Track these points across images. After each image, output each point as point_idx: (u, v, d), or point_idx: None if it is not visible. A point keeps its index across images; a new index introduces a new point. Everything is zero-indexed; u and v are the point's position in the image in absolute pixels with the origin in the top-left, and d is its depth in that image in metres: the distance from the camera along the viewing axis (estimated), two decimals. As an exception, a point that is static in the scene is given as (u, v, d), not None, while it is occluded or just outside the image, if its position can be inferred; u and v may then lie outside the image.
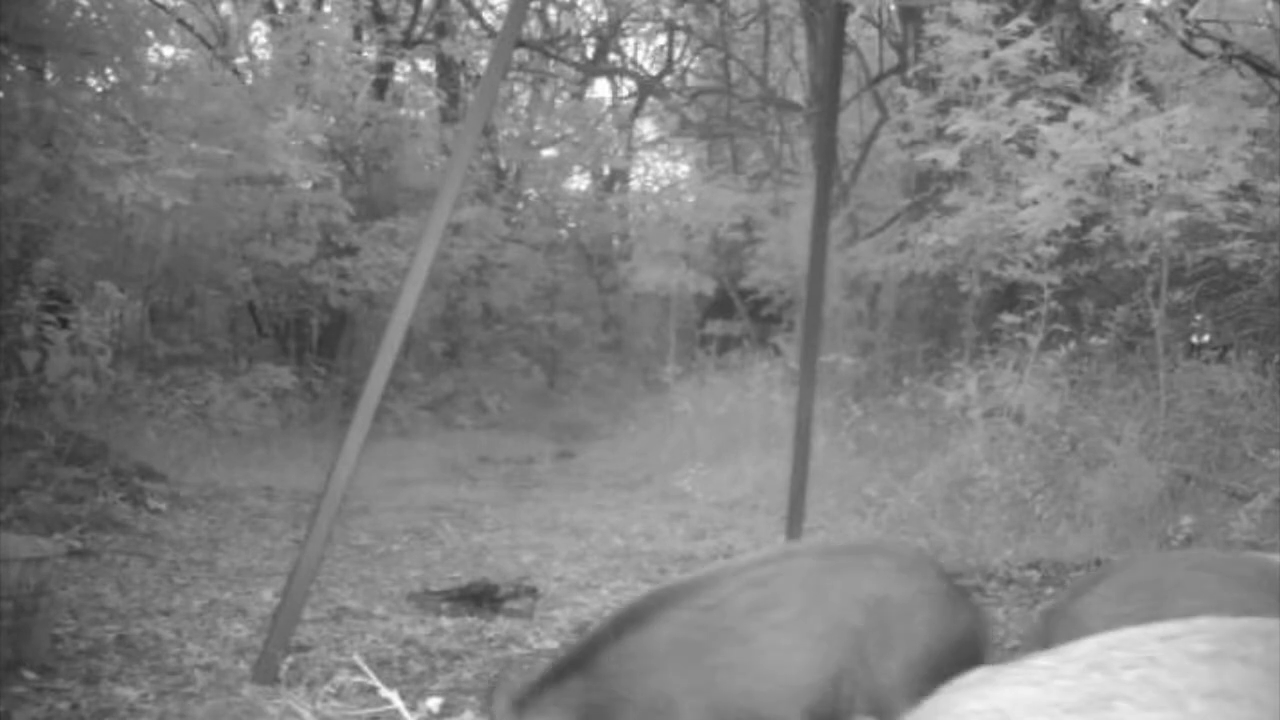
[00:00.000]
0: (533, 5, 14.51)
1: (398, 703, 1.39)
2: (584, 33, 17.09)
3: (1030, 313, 7.43)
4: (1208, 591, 2.41)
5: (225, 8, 14.30)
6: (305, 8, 14.05)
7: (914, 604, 2.49)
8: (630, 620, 2.50)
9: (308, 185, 11.61)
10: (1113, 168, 7.09)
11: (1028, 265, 7.66)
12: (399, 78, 15.22)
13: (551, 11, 16.39)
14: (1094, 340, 7.71)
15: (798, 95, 15.27)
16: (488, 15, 16.22)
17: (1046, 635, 2.42)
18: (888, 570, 2.55)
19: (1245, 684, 1.49)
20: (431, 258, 3.48)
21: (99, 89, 9.42)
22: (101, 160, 7.99)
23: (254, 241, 11.81)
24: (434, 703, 1.42)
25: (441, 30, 15.43)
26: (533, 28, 16.04)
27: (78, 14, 8.51)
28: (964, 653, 2.40)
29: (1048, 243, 7.46)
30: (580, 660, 2.45)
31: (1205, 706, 1.46)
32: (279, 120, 10.42)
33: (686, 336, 13.48)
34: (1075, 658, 1.59)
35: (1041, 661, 1.62)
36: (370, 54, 13.98)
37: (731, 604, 2.46)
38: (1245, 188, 7.15)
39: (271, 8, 13.83)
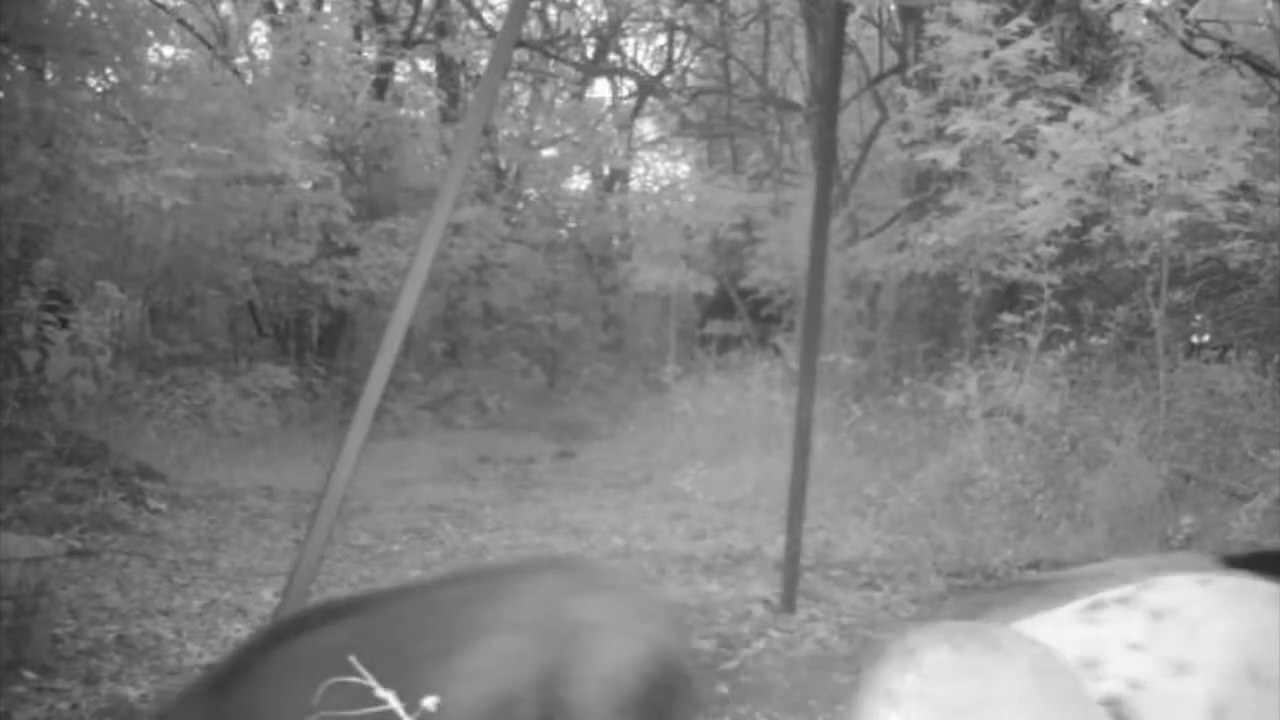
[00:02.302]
0: (533, 5, 14.49)
1: (395, 703, 1.39)
2: (584, 33, 17.07)
3: (1030, 313, 7.44)
4: None
5: (225, 8, 14.30)
6: (305, 8, 14.04)
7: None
8: (273, 636, 2.36)
9: (308, 185, 11.61)
10: (1113, 168, 7.09)
11: (1028, 265, 7.67)
12: (399, 78, 15.22)
13: (551, 11, 16.38)
14: (1094, 340, 7.72)
15: (798, 95, 15.25)
16: (488, 15, 16.21)
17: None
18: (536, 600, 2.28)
19: None
20: (431, 258, 3.46)
21: (99, 89, 9.44)
22: (101, 160, 8.00)
23: (254, 241, 11.81)
24: (430, 701, 1.41)
25: (441, 30, 15.42)
26: (533, 28, 16.03)
27: (78, 14, 8.52)
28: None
29: (1048, 243, 7.47)
30: (221, 675, 2.30)
31: None
32: (279, 120, 10.42)
33: (686, 336, 13.49)
34: None
35: None
36: (370, 54, 13.97)
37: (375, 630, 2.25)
38: (1245, 188, 7.15)
39: (271, 8, 13.83)
